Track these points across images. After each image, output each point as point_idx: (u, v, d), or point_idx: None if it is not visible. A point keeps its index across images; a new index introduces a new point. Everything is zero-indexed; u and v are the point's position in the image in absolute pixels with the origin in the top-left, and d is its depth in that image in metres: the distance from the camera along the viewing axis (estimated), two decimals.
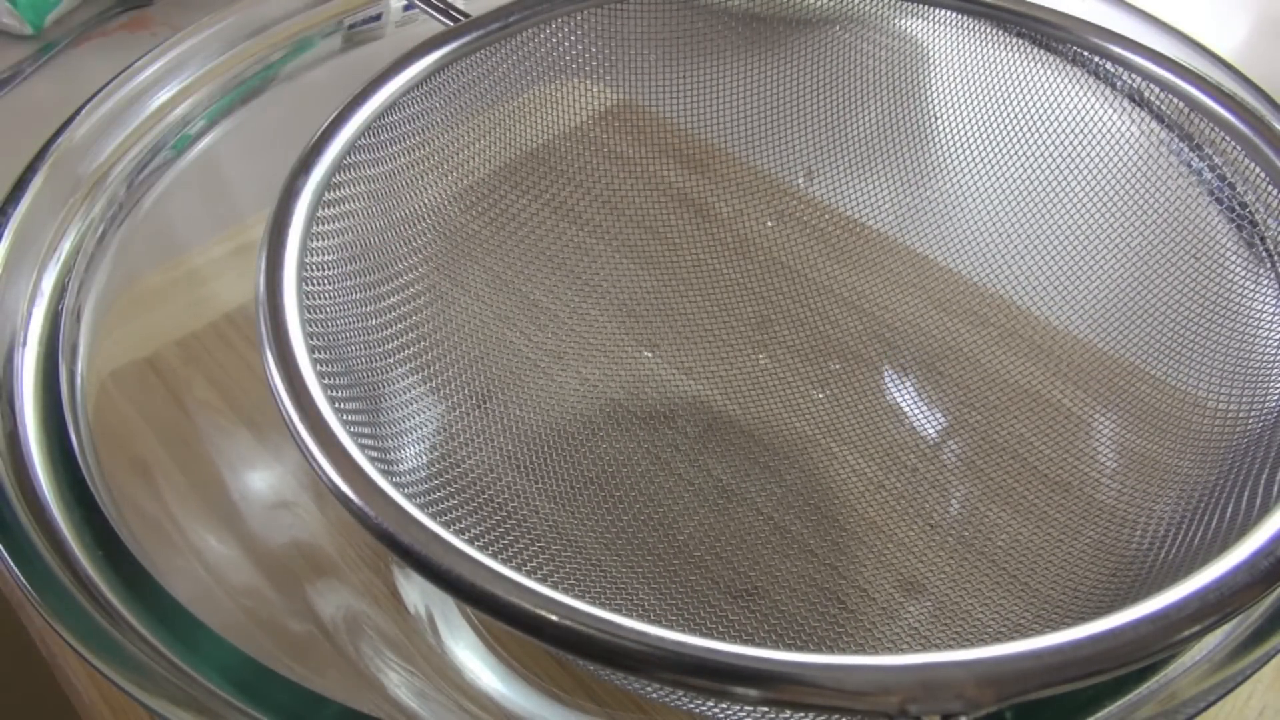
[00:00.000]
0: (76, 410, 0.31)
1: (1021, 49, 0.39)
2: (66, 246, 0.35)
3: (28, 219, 0.34)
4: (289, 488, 0.38)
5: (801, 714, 0.25)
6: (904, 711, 0.20)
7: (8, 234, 0.34)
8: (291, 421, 0.25)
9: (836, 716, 0.24)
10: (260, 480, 0.38)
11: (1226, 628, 0.25)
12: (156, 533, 0.31)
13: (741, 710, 0.27)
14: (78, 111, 0.37)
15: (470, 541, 0.23)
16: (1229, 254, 0.35)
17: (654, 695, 0.26)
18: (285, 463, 0.39)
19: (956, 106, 0.42)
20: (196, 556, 0.33)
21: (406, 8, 0.46)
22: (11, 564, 0.26)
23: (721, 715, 0.27)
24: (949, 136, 0.42)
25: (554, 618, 0.21)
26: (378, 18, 0.46)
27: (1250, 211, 0.34)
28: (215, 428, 0.39)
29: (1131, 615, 0.21)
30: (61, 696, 0.35)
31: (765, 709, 0.25)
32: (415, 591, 0.36)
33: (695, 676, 0.20)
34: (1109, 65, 0.37)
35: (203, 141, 0.40)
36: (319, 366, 0.26)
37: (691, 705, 0.28)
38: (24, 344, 0.32)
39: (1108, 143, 0.38)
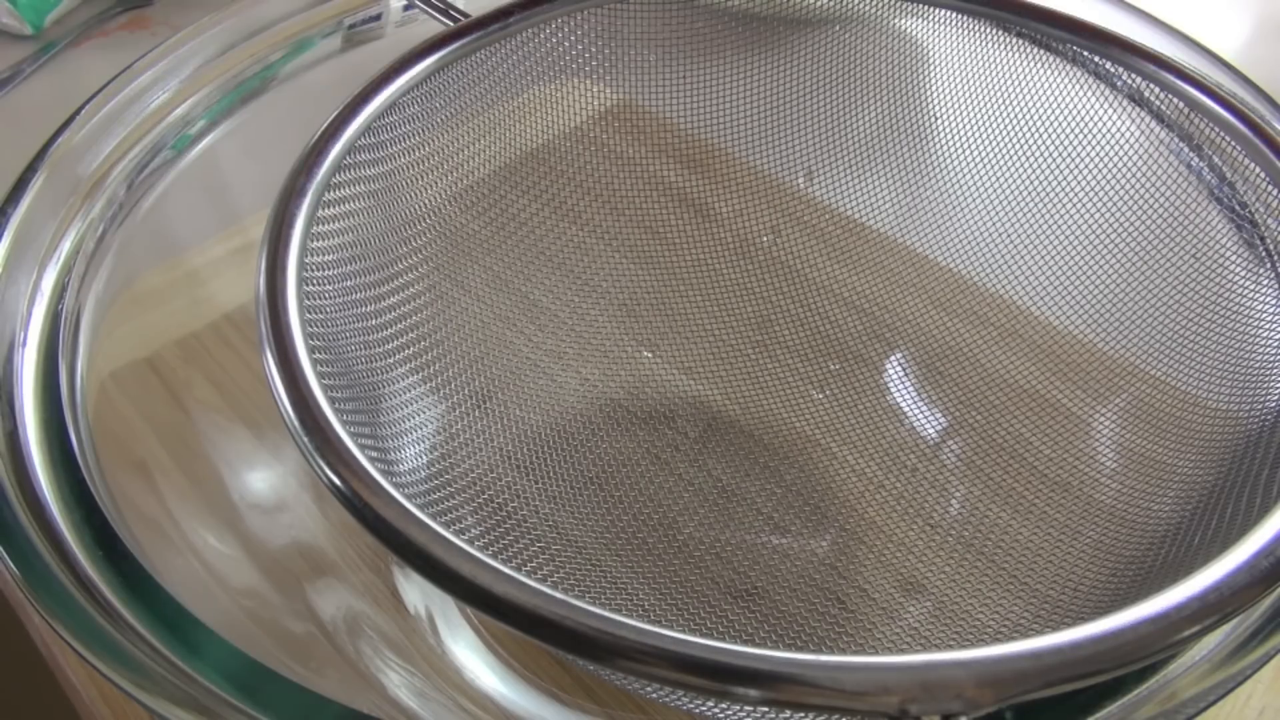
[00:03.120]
0: (76, 410, 0.31)
1: (1021, 49, 0.39)
2: (66, 246, 0.35)
3: (28, 219, 0.34)
4: (289, 488, 0.38)
5: (801, 714, 0.25)
6: (904, 712, 0.20)
7: (8, 234, 0.34)
8: (291, 421, 0.25)
9: (836, 716, 0.24)
10: (260, 480, 0.38)
11: (1226, 628, 0.25)
12: (156, 533, 0.31)
13: (741, 710, 0.27)
14: (78, 111, 0.37)
15: (470, 542, 0.23)
16: (1229, 254, 0.35)
17: (654, 695, 0.26)
18: (285, 463, 0.39)
19: (956, 106, 0.42)
20: (196, 557, 0.33)
21: (406, 8, 0.46)
22: (11, 564, 0.26)
23: (721, 715, 0.27)
24: (949, 136, 0.42)
25: (555, 617, 0.21)
26: (378, 18, 0.46)
27: (1250, 211, 0.34)
28: (215, 428, 0.39)
29: (1131, 616, 0.21)
30: (62, 696, 0.35)
31: (765, 709, 0.25)
32: (415, 591, 0.36)
33: (695, 676, 0.20)
34: (1109, 65, 0.37)
35: (203, 141, 0.40)
36: (319, 367, 0.27)
37: (691, 705, 0.28)
38: (24, 344, 0.32)
39: (1108, 143, 0.38)
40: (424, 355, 0.37)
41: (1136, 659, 0.21)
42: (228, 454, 0.39)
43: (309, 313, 0.29)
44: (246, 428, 0.39)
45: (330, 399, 0.26)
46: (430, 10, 0.39)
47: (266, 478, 0.38)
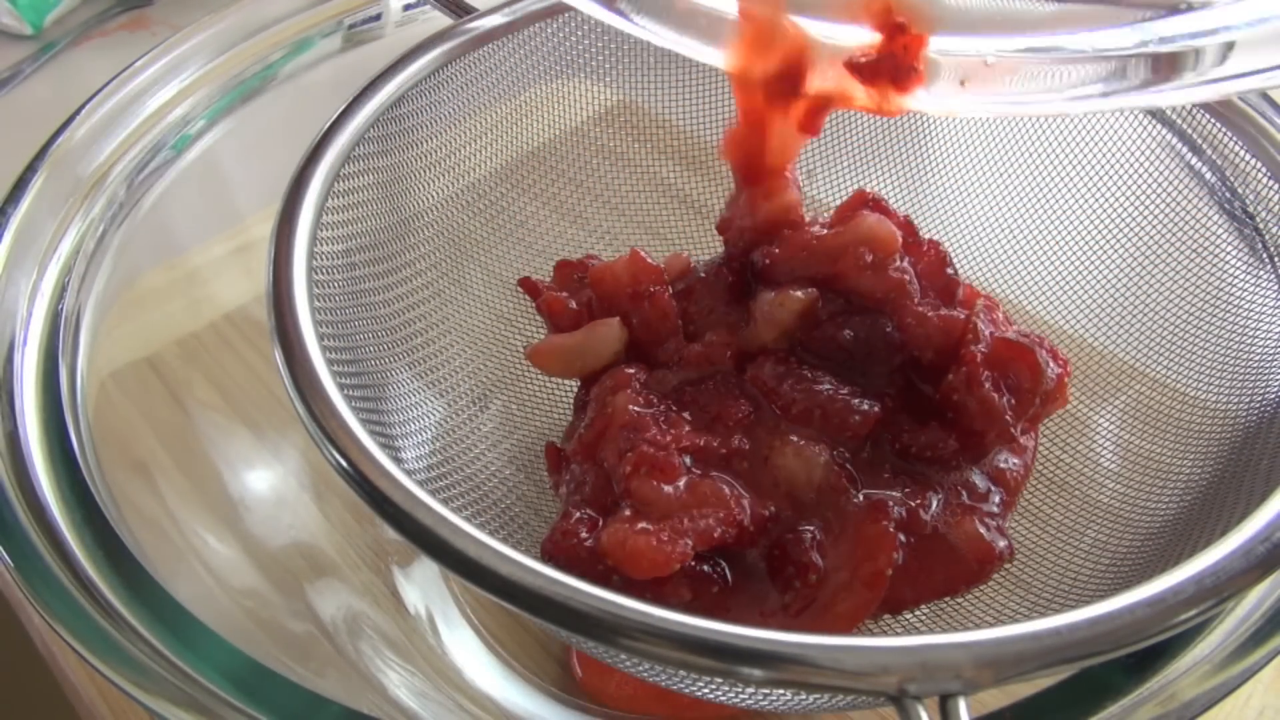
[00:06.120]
0: (76, 410, 0.31)
1: None
2: (66, 246, 0.35)
3: (28, 219, 0.35)
4: (289, 488, 0.38)
5: (803, 694, 0.25)
6: (903, 691, 0.20)
7: (8, 234, 0.34)
8: (296, 397, 0.25)
9: (838, 696, 0.24)
10: (260, 480, 0.38)
11: (1226, 628, 0.25)
12: (156, 533, 0.31)
13: (744, 691, 0.27)
14: (78, 111, 0.37)
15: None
16: (1228, 252, 0.35)
17: (656, 677, 0.26)
18: (285, 463, 0.39)
19: None
20: (196, 557, 0.33)
21: (408, 7, 0.46)
22: (11, 564, 0.26)
23: (724, 697, 0.27)
24: (949, 136, 0.42)
25: (561, 598, 0.21)
26: (378, 18, 0.46)
27: (1250, 211, 0.34)
28: (215, 428, 0.39)
29: (1129, 599, 0.21)
30: (62, 696, 0.35)
31: (767, 689, 0.25)
32: (415, 591, 0.36)
33: (700, 656, 0.20)
34: None
35: (203, 141, 0.40)
36: (328, 354, 0.27)
37: (694, 689, 0.28)
38: (24, 344, 0.32)
39: (1108, 142, 0.38)
40: (425, 349, 0.37)
41: (1134, 641, 0.21)
42: (228, 454, 0.39)
43: (318, 300, 0.29)
44: (246, 428, 0.39)
45: (340, 385, 0.26)
46: (439, 4, 0.39)
47: (266, 478, 0.39)
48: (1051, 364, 0.30)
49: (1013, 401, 0.30)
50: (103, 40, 0.62)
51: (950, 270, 0.33)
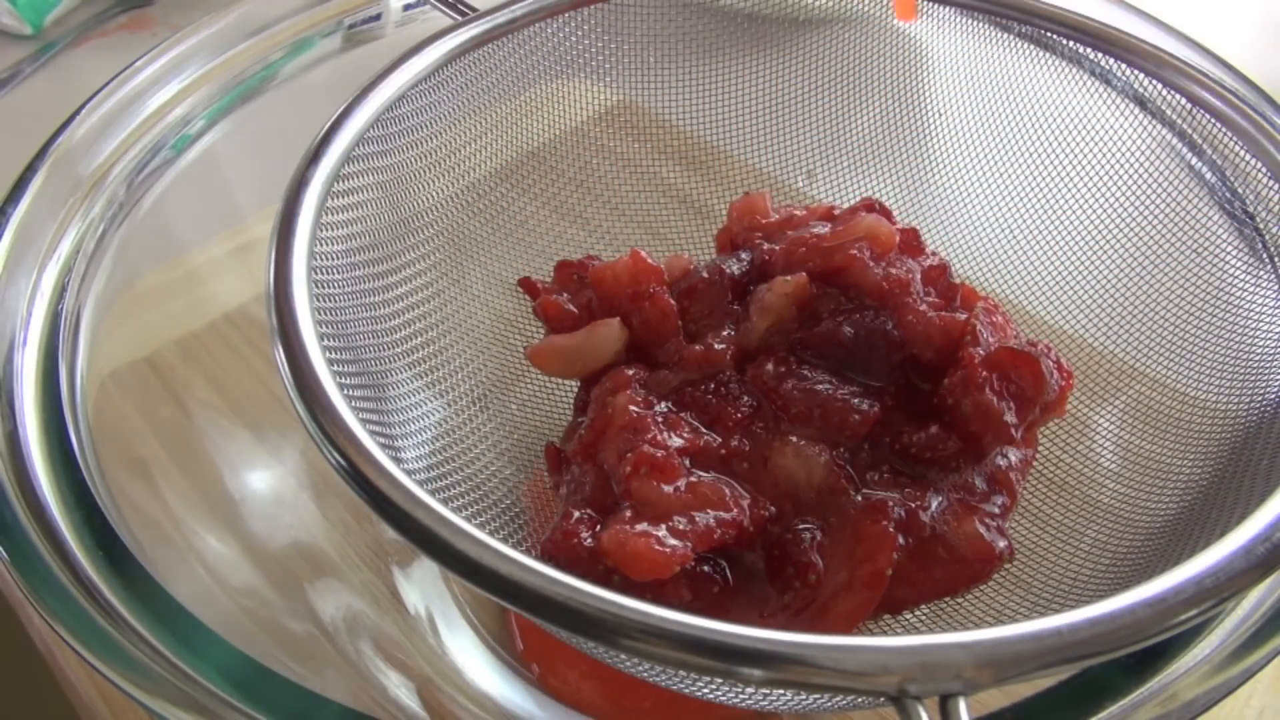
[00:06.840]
0: (76, 410, 0.31)
1: (1022, 49, 0.39)
2: (66, 246, 0.35)
3: (28, 219, 0.35)
4: (289, 488, 0.38)
5: (804, 694, 0.25)
6: (903, 691, 0.20)
7: (8, 234, 0.34)
8: (296, 397, 0.25)
9: (838, 696, 0.24)
10: (260, 480, 0.38)
11: (1226, 628, 0.25)
12: (156, 533, 0.31)
13: (745, 691, 0.27)
14: (78, 111, 0.37)
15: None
16: (1228, 252, 0.35)
17: (657, 678, 0.26)
18: (285, 463, 0.39)
19: (956, 106, 0.42)
20: (196, 557, 0.33)
21: (408, 7, 0.46)
22: (11, 564, 0.26)
23: (723, 696, 0.27)
24: (949, 137, 0.42)
25: (561, 598, 0.21)
26: (378, 18, 0.46)
27: (1250, 211, 0.34)
28: (215, 428, 0.39)
29: (1129, 599, 0.21)
30: (62, 696, 0.35)
31: (767, 690, 0.25)
32: (415, 591, 0.36)
33: (699, 656, 0.20)
34: (1110, 64, 0.37)
35: (203, 141, 0.40)
36: (329, 354, 0.27)
37: (694, 689, 0.28)
38: (24, 344, 0.32)
39: (1108, 143, 0.38)
40: (425, 349, 0.37)
41: (1133, 641, 0.21)
42: (228, 454, 0.39)
43: (318, 300, 0.29)
44: (246, 428, 0.39)
45: (340, 384, 0.26)
46: (439, 5, 0.39)
47: (266, 478, 0.39)
48: (1055, 374, 0.30)
49: (1013, 406, 0.30)
50: (103, 40, 0.62)
51: (950, 279, 0.34)
